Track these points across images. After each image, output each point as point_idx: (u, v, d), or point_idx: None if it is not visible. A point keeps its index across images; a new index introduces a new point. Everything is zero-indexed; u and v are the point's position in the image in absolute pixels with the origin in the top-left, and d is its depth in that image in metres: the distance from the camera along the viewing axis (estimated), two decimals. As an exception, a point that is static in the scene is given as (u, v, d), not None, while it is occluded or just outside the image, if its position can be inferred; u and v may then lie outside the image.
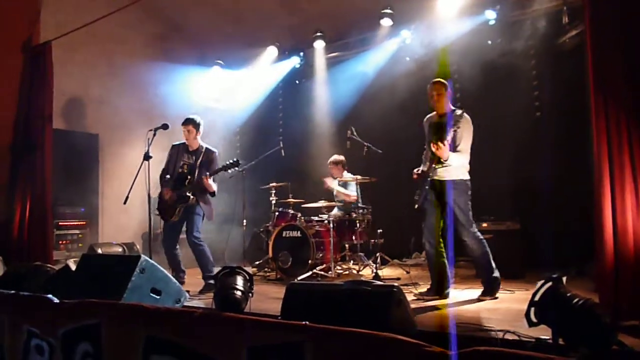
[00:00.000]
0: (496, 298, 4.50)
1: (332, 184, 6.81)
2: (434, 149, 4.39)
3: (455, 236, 4.61)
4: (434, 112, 4.86)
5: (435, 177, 4.61)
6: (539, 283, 2.52)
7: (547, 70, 6.57)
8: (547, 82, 6.57)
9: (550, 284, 2.51)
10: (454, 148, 4.50)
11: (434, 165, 4.56)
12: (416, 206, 4.67)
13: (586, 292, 3.31)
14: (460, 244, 6.56)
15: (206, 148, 5.59)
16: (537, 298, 2.51)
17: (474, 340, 2.84)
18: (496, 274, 4.57)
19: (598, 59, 3.50)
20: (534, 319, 2.51)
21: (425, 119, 4.96)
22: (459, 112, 4.60)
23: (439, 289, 4.60)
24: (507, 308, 3.99)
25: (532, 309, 2.51)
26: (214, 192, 5.45)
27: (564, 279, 2.56)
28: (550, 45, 6.43)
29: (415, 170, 4.78)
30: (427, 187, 4.60)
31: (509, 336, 2.89)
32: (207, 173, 5.34)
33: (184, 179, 5.48)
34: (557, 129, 6.33)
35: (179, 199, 5.42)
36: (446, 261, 4.65)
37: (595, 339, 2.24)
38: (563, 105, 6.28)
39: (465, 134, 4.57)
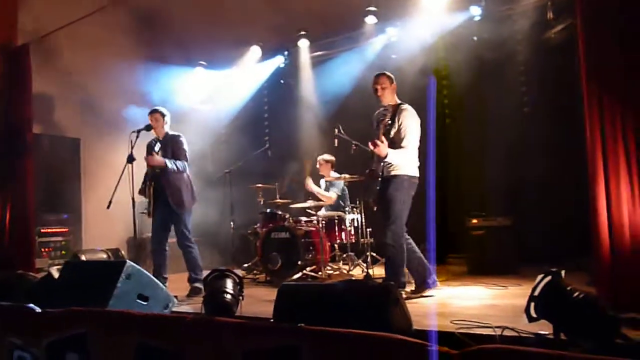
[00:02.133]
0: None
1: (312, 187, 6.71)
2: (371, 147, 4.28)
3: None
4: (382, 107, 4.68)
5: (385, 174, 4.45)
6: (539, 277, 2.47)
7: (535, 66, 6.56)
8: (534, 77, 6.56)
9: (549, 277, 2.46)
10: (398, 144, 4.37)
11: (381, 164, 4.41)
12: (375, 209, 4.54)
13: (582, 286, 3.28)
14: (450, 241, 6.62)
15: (170, 134, 5.50)
16: (536, 292, 2.46)
17: (472, 338, 2.79)
18: (402, 280, 4.33)
19: (589, 50, 3.47)
20: (533, 314, 2.46)
21: (375, 114, 4.78)
22: (404, 106, 4.47)
23: (422, 284, 4.50)
24: (503, 304, 3.94)
25: (532, 304, 2.45)
26: (166, 168, 5.28)
27: (563, 272, 2.52)
28: (536, 40, 6.43)
29: (366, 171, 4.65)
30: (377, 187, 4.46)
31: (507, 332, 2.84)
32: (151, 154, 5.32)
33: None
34: (546, 124, 6.32)
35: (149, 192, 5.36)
36: (420, 254, 4.51)
37: (599, 331, 2.19)
38: (552, 100, 6.28)
39: (410, 128, 4.41)
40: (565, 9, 5.95)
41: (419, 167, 4.55)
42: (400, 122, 4.38)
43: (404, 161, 4.42)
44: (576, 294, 2.31)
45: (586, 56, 3.52)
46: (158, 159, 5.29)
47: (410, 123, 4.43)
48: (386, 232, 4.33)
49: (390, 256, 4.34)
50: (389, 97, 4.58)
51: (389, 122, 4.39)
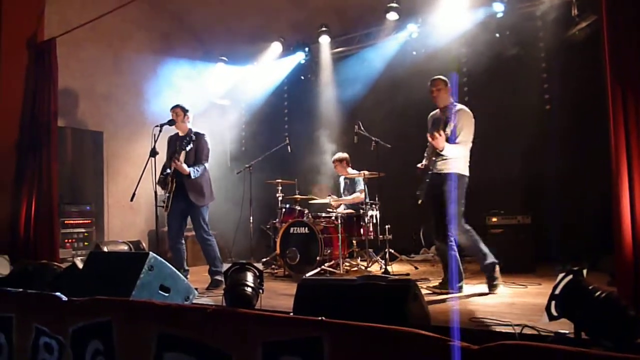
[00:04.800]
0: (495, 283, 4.47)
1: (339, 200, 6.70)
2: (430, 140, 4.46)
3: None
4: (437, 109, 4.90)
5: (435, 170, 4.61)
6: (560, 276, 2.46)
7: (557, 63, 6.49)
8: (556, 74, 6.49)
9: (571, 276, 2.44)
10: (453, 141, 4.52)
11: (433, 159, 4.60)
12: (419, 201, 4.68)
13: (603, 285, 3.24)
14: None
15: (195, 132, 5.55)
16: (557, 291, 2.44)
17: (492, 335, 2.78)
18: (489, 259, 4.54)
19: (614, 47, 3.42)
20: (554, 313, 2.45)
21: (430, 115, 4.99)
22: (459, 106, 4.63)
23: (448, 284, 4.57)
24: (522, 302, 3.93)
25: (553, 302, 2.44)
26: (189, 175, 5.34)
27: (585, 271, 2.50)
28: (559, 37, 6.34)
29: (418, 165, 4.82)
30: (427, 180, 4.63)
31: (526, 330, 2.83)
32: (177, 156, 5.34)
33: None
34: (567, 122, 6.26)
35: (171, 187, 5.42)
36: (456, 254, 4.59)
37: (621, 331, 2.18)
38: (573, 97, 6.21)
39: (466, 127, 4.58)
40: (589, 6, 5.86)
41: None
42: (457, 121, 4.54)
43: (457, 158, 4.56)
44: (598, 293, 2.29)
45: (611, 53, 3.47)
46: (184, 167, 5.32)
47: (466, 122, 4.59)
48: (444, 230, 4.50)
49: (466, 244, 4.60)
50: (445, 98, 4.75)
51: (450, 121, 4.54)
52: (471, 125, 4.62)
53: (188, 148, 5.44)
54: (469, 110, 4.65)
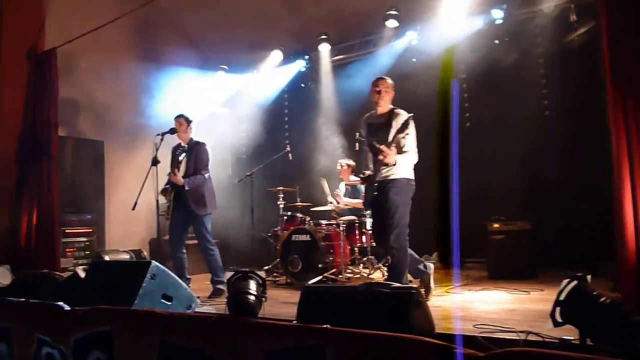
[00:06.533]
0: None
1: (345, 200, 6.67)
2: (380, 157, 4.25)
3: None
4: (373, 111, 4.74)
5: (381, 178, 4.44)
6: (564, 282, 2.45)
7: (556, 69, 6.50)
8: (555, 80, 6.50)
9: (575, 282, 2.44)
10: (399, 150, 4.36)
11: (380, 168, 4.40)
12: (368, 211, 4.71)
13: (606, 291, 3.24)
14: (470, 245, 6.58)
15: (195, 141, 5.58)
16: (562, 297, 2.44)
17: (496, 342, 2.78)
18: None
19: (614, 52, 3.43)
20: (559, 319, 2.44)
21: (363, 118, 4.82)
22: (403, 114, 4.43)
23: (417, 273, 4.66)
24: (525, 309, 3.92)
25: (557, 309, 2.44)
26: (183, 186, 5.36)
27: (589, 277, 2.50)
28: (558, 43, 6.36)
29: (360, 175, 4.68)
30: (375, 192, 4.45)
31: (531, 337, 2.82)
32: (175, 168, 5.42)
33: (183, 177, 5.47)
34: (566, 127, 6.27)
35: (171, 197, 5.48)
36: (411, 252, 4.54)
37: (625, 337, 2.17)
38: (572, 103, 6.22)
39: (412, 134, 4.41)
40: (587, 12, 5.89)
41: (415, 170, 4.58)
42: (406, 133, 4.32)
43: (404, 165, 4.43)
44: (603, 299, 2.29)
45: (610, 58, 3.49)
46: (178, 179, 5.36)
47: (412, 129, 4.41)
48: (390, 235, 4.32)
49: (394, 260, 4.36)
50: (388, 102, 4.62)
51: (399, 133, 4.34)
52: (414, 132, 4.44)
53: (181, 158, 5.46)
54: (410, 115, 4.41)
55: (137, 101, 7.77)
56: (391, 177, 4.43)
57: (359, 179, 6.47)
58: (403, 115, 4.43)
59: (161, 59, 8.16)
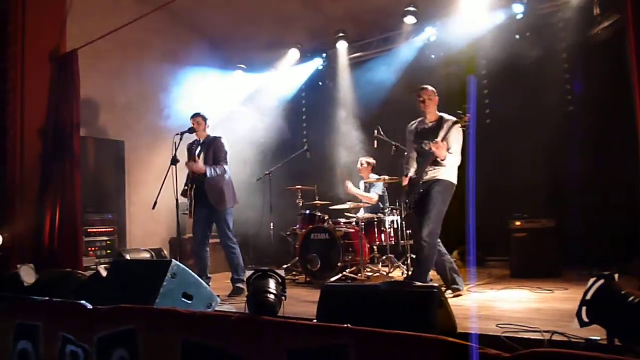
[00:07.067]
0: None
1: (352, 189, 6.68)
2: (433, 148, 4.44)
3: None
4: (421, 118, 4.88)
5: (427, 179, 4.61)
6: (591, 281, 2.39)
7: (579, 64, 6.39)
8: (578, 75, 6.39)
9: (602, 281, 2.38)
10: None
11: (426, 169, 4.60)
12: (405, 214, 4.90)
13: (633, 290, 3.15)
14: (492, 243, 6.50)
15: (212, 137, 5.61)
16: (588, 296, 2.38)
17: (519, 342, 2.73)
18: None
19: (641, 45, 3.35)
20: (585, 319, 2.39)
21: (411, 125, 4.96)
22: (451, 119, 4.61)
23: (451, 287, 4.65)
24: (549, 308, 3.85)
25: (584, 308, 2.38)
26: (206, 174, 5.37)
27: (616, 276, 2.43)
28: (581, 37, 6.25)
29: (404, 177, 4.82)
30: (420, 190, 4.60)
31: (556, 337, 2.76)
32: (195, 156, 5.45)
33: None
34: (590, 123, 6.16)
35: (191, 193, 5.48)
36: (449, 257, 4.70)
37: (656, 338, 2.11)
38: (596, 98, 6.09)
39: (456, 138, 4.59)
40: (611, 5, 5.76)
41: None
42: (446, 132, 4.55)
43: (449, 167, 4.58)
44: (631, 298, 2.23)
45: (637, 52, 3.40)
46: (199, 165, 5.38)
47: (456, 133, 4.58)
48: (424, 229, 4.45)
49: (423, 254, 4.47)
50: (434, 109, 4.79)
51: (443, 134, 4.56)
52: (461, 136, 4.61)
53: (197, 152, 5.48)
54: (455, 119, 4.60)
55: (157, 101, 7.84)
56: (437, 177, 4.59)
57: (377, 176, 6.46)
58: (451, 120, 4.61)
59: (181, 59, 8.23)
